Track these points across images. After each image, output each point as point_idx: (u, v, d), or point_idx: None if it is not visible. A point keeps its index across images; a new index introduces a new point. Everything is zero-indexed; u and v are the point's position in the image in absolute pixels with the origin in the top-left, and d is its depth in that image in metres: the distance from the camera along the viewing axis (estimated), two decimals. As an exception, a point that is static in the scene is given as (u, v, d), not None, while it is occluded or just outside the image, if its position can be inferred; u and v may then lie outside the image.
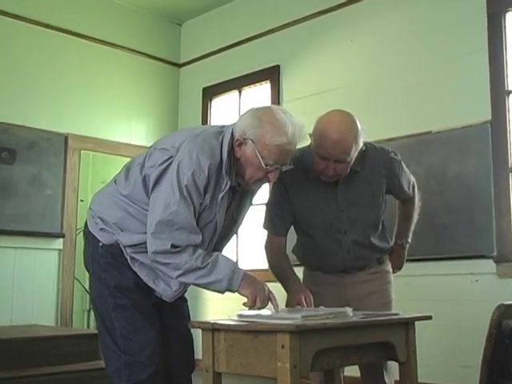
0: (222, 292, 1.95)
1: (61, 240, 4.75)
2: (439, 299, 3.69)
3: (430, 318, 2.08)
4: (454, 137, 3.78)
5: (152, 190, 1.97)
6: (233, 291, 1.95)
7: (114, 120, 5.24)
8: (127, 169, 2.10)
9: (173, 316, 2.16)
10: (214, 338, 1.81)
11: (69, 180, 4.82)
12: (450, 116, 3.82)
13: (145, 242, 1.97)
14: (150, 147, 2.08)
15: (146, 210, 1.99)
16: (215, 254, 1.97)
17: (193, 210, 1.93)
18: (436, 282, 3.76)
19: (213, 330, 1.81)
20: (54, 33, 4.89)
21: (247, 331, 1.73)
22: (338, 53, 4.53)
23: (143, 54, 5.49)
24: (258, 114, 1.98)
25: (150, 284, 2.03)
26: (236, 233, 2.25)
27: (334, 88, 4.46)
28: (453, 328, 3.65)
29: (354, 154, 2.18)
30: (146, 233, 1.96)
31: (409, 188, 2.47)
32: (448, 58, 3.90)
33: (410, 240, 2.59)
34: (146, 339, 2.00)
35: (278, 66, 4.90)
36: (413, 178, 2.52)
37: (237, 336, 1.76)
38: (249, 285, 1.94)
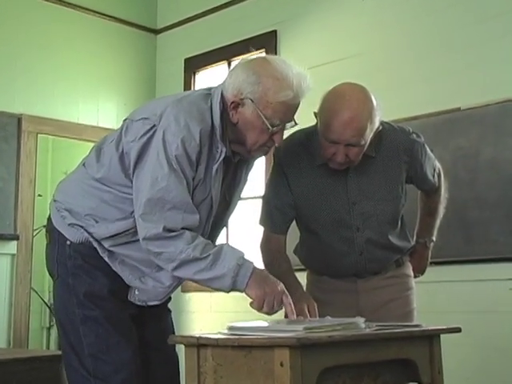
0: (227, 291, 1.95)
1: (14, 243, 4.73)
2: (470, 310, 3.70)
3: (458, 330, 2.09)
4: (489, 114, 3.78)
5: (134, 168, 1.97)
6: (239, 291, 1.94)
7: (78, 98, 5.22)
8: (98, 149, 2.11)
9: (155, 331, 2.17)
10: (199, 356, 1.81)
11: (23, 170, 4.81)
12: (484, 89, 3.81)
13: (125, 231, 1.99)
14: (125, 119, 2.09)
15: (125, 193, 2.00)
16: (220, 244, 1.97)
17: (186, 185, 1.93)
18: (466, 289, 3.77)
19: (198, 345, 1.81)
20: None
21: (239, 346, 1.73)
22: (347, 15, 4.52)
23: (112, 17, 5.46)
24: (253, 67, 2.00)
25: (136, 284, 2.03)
26: (230, 216, 2.25)
27: (343, 57, 4.45)
28: (487, 345, 3.67)
29: (369, 135, 2.19)
30: (125, 218, 1.98)
31: (433, 176, 2.49)
32: (482, 17, 3.89)
33: (434, 238, 2.62)
34: (120, 359, 2.00)
35: (274, 32, 4.90)
36: (438, 165, 2.54)
37: (227, 352, 1.76)
38: (257, 285, 1.92)
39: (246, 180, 2.23)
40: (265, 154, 2.16)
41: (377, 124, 2.21)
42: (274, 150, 2.46)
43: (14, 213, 4.75)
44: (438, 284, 3.68)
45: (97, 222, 2.02)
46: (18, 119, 4.82)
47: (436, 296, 3.70)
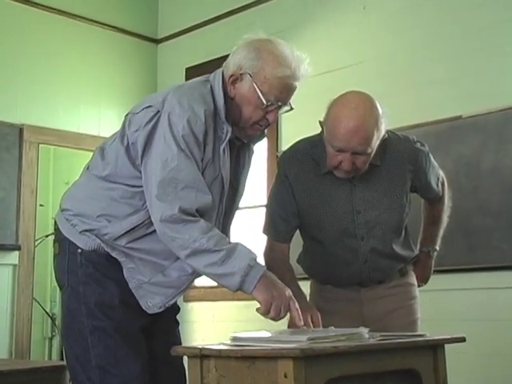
0: (234, 290, 1.93)
1: (16, 253, 4.72)
2: (474, 319, 3.69)
3: (463, 340, 2.08)
4: (490, 122, 3.77)
5: (142, 156, 1.97)
6: (246, 292, 1.92)
7: (79, 107, 5.22)
8: (101, 150, 2.11)
9: (163, 343, 2.13)
10: (202, 367, 1.80)
11: (25, 180, 4.81)
12: (485, 97, 3.81)
13: (139, 224, 1.99)
14: (127, 115, 2.09)
15: (134, 187, 2.00)
16: (235, 242, 1.96)
17: (195, 164, 1.93)
18: (470, 297, 3.76)
19: (201, 356, 1.80)
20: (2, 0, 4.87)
21: (242, 357, 1.72)
22: (348, 23, 4.53)
23: (113, 27, 5.48)
24: (255, 44, 2.04)
25: (159, 278, 2.02)
26: (239, 201, 2.25)
27: (344, 66, 4.46)
28: (491, 354, 3.65)
29: (376, 143, 2.20)
30: (136, 212, 1.98)
31: (437, 185, 2.49)
32: (483, 25, 3.89)
33: (438, 247, 2.61)
34: (128, 373, 1.98)
35: (276, 41, 4.90)
36: (442, 173, 2.54)
37: (230, 364, 1.75)
38: (265, 288, 1.91)
39: (249, 165, 2.24)
40: (260, 137, 2.19)
41: (383, 132, 2.22)
42: (278, 159, 2.47)
43: (16, 223, 4.74)
44: (441, 292, 3.67)
45: (109, 221, 2.01)
46: (20, 129, 4.82)
47: (439, 304, 3.68)
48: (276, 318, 1.93)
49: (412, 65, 4.17)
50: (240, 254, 1.90)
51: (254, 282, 1.90)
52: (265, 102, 1.99)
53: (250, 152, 2.22)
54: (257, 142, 2.23)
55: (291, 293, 1.96)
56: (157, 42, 5.77)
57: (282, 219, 2.37)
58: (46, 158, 6.06)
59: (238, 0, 5.15)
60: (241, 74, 2.01)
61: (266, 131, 2.21)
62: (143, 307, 2.03)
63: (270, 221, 2.40)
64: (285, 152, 2.48)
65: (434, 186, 2.47)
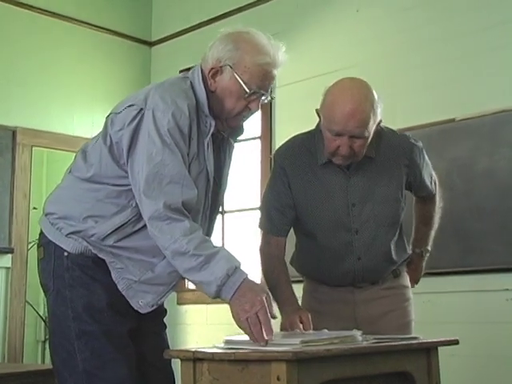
0: (212, 298, 1.89)
1: (9, 256, 4.71)
2: (467, 321, 3.69)
3: (456, 342, 2.09)
4: (484, 125, 3.78)
5: (128, 155, 1.96)
6: (225, 301, 1.87)
7: (72, 110, 5.22)
8: (83, 152, 2.10)
9: (151, 346, 2.12)
10: (195, 370, 1.80)
11: (18, 183, 4.80)
12: (478, 100, 3.82)
13: (126, 222, 1.97)
14: (108, 116, 2.08)
15: (119, 186, 1.99)
16: (219, 246, 1.93)
17: (181, 159, 1.93)
18: (463, 300, 3.76)
19: (194, 359, 1.80)
20: (-4, 3, 4.88)
21: (235, 361, 1.72)
22: (341, 27, 4.54)
23: (107, 30, 5.48)
24: (232, 37, 2.06)
25: (148, 275, 2.00)
26: (223, 197, 2.24)
27: (338, 69, 4.44)
28: (484, 356, 3.66)
29: (372, 127, 2.21)
30: (122, 210, 1.97)
31: (431, 183, 2.50)
32: (477, 28, 3.90)
33: (430, 248, 2.61)
34: (116, 376, 1.95)
35: (270, 43, 4.90)
36: (434, 173, 2.54)
37: (223, 367, 1.75)
38: (240, 298, 1.84)
39: (230, 160, 2.24)
40: (239, 132, 2.19)
41: (379, 117, 2.23)
42: (274, 153, 2.48)
43: (9, 226, 4.73)
44: (435, 295, 3.67)
45: (96, 222, 1.99)
46: (13, 132, 4.82)
47: (433, 307, 3.69)
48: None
49: (406, 68, 4.18)
50: (219, 262, 1.85)
51: (231, 292, 1.84)
52: (247, 90, 1.99)
53: (231, 147, 2.22)
54: (237, 137, 2.23)
55: (265, 303, 1.84)
56: (150, 44, 5.77)
57: (277, 211, 2.36)
58: (40, 161, 6.04)
59: (232, 2, 5.16)
60: (221, 67, 2.01)
61: (244, 126, 2.22)
62: (135, 307, 2.01)
63: (266, 214, 2.40)
64: (280, 146, 2.49)
65: (428, 183, 2.48)
